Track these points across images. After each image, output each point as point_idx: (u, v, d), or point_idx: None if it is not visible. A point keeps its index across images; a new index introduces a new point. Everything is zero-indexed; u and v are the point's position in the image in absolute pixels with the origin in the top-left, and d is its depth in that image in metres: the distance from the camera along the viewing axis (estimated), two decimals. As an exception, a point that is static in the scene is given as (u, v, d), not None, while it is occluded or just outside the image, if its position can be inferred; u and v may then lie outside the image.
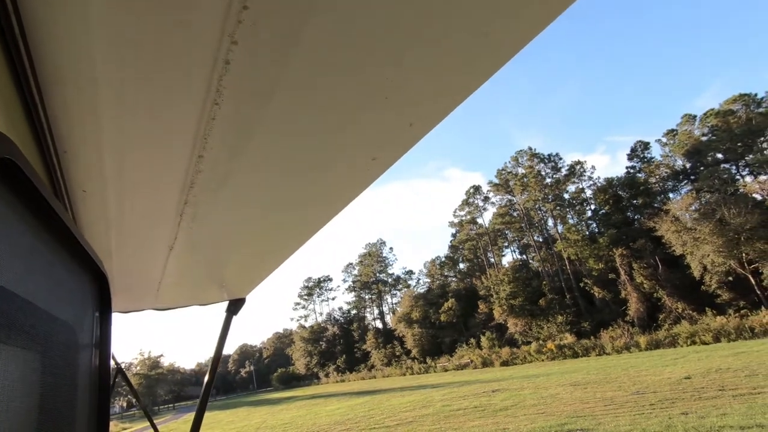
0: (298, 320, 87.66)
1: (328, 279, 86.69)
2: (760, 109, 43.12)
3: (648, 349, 31.51)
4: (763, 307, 31.08)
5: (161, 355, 76.93)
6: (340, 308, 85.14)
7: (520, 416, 12.50)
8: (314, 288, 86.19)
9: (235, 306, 2.44)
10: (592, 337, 37.47)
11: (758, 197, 39.40)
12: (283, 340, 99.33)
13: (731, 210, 35.09)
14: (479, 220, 63.93)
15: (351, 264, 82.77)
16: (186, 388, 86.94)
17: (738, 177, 44.15)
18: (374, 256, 78.47)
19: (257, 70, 0.67)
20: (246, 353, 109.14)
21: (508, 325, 48.14)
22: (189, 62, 0.64)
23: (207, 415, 36.15)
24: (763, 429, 7.60)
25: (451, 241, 69.29)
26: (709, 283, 35.77)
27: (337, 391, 41.54)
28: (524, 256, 61.96)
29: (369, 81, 0.77)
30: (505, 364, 40.00)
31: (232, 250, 1.70)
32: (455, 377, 34.76)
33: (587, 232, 52.21)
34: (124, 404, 71.38)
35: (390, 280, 78.10)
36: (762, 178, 42.43)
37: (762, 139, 42.75)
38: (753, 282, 33.81)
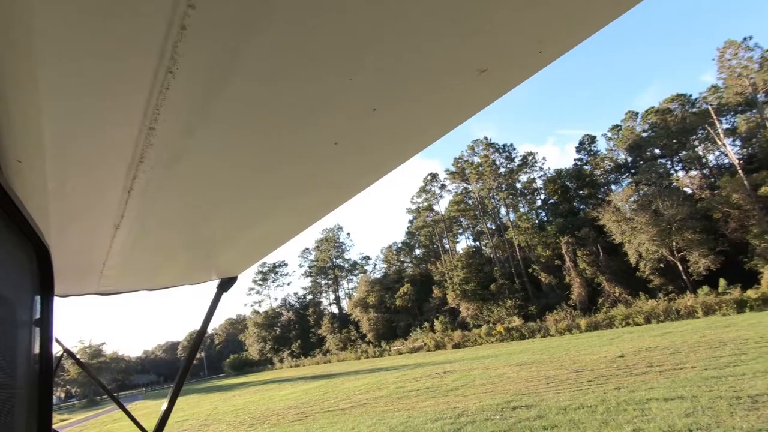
0: (252, 306, 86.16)
1: (284, 264, 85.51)
2: (694, 110, 46.52)
3: (588, 331, 33.75)
4: (688, 292, 34.03)
5: (103, 343, 73.23)
6: (296, 294, 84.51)
7: (470, 395, 13.05)
8: (269, 273, 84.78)
9: (223, 286, 2.37)
10: (538, 320, 39.55)
11: (688, 191, 42.80)
12: (236, 326, 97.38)
13: (665, 202, 37.91)
14: (436, 207, 65.12)
15: (307, 249, 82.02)
16: (131, 377, 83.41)
17: (672, 172, 47.67)
18: (331, 242, 78.14)
19: (217, 39, 0.62)
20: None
21: (461, 309, 49.81)
22: (140, 25, 0.58)
23: (150, 405, 34.83)
24: (683, 400, 8.41)
25: (408, 228, 70.25)
26: (643, 269, 38.63)
27: (292, 376, 41.43)
28: (478, 243, 63.98)
29: (335, 62, 0.73)
30: (456, 346, 41.45)
31: (194, 232, 1.60)
32: (409, 360, 35.64)
33: (537, 221, 54.61)
34: (62, 395, 67.54)
35: (347, 265, 78.22)
36: (692, 173, 46.12)
37: (694, 137, 46.27)
38: (681, 268, 36.86)
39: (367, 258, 77.06)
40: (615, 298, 38.98)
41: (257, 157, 1.05)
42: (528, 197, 57.84)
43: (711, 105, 44.23)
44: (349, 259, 78.78)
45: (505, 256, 54.78)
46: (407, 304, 56.86)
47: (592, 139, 54.51)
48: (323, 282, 79.76)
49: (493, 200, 59.01)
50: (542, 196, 56.90)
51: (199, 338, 2.52)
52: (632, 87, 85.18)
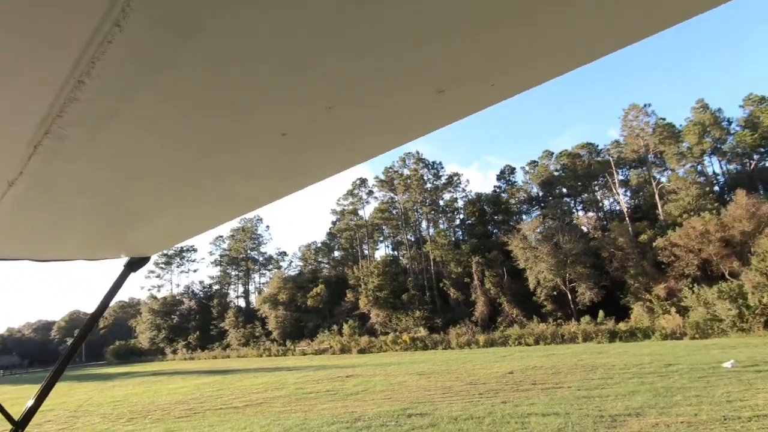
0: (149, 290, 79.34)
1: (192, 249, 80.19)
2: (598, 158, 52.38)
3: (485, 347, 36.07)
4: (573, 319, 37.92)
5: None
6: (201, 282, 79.48)
7: (369, 401, 13.26)
8: (174, 257, 78.89)
9: (132, 266, 2.15)
10: (442, 333, 41.42)
11: (585, 230, 47.89)
12: (128, 310, 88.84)
13: (565, 237, 42.08)
14: (360, 212, 65.61)
15: (221, 237, 77.80)
16: (-12, 357, 72.20)
17: (574, 210, 53.12)
18: (248, 232, 74.96)
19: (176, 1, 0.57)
20: (77, 321, 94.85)
21: (371, 315, 50.51)
22: None
23: (6, 390, 30.37)
24: (558, 416, 9.34)
25: (330, 229, 69.84)
26: (539, 294, 42.33)
27: (184, 369, 38.81)
28: (396, 253, 65.54)
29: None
30: (362, 351, 41.88)
31: (107, 203, 1.45)
32: (313, 361, 35.26)
33: (453, 239, 57.46)
34: None
35: (261, 259, 75.55)
36: (590, 214, 51.74)
37: (595, 182, 52.08)
38: (570, 298, 41.00)
39: (283, 254, 75.18)
40: (512, 319, 42.16)
41: (193, 136, 0.99)
42: (448, 215, 60.72)
43: (612, 157, 50.19)
44: (265, 253, 76.25)
45: (420, 268, 56.72)
46: (319, 305, 56.33)
47: (512, 170, 58.90)
48: (234, 273, 76.11)
49: (416, 213, 60.95)
50: (461, 216, 60.07)
51: (93, 320, 2.29)
52: (554, 128, 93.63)
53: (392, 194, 62.32)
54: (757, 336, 25.71)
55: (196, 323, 68.34)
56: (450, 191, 60.30)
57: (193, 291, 76.50)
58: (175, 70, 0.72)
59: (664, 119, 47.29)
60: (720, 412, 9.22)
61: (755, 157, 45.20)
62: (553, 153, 55.93)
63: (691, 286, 31.99)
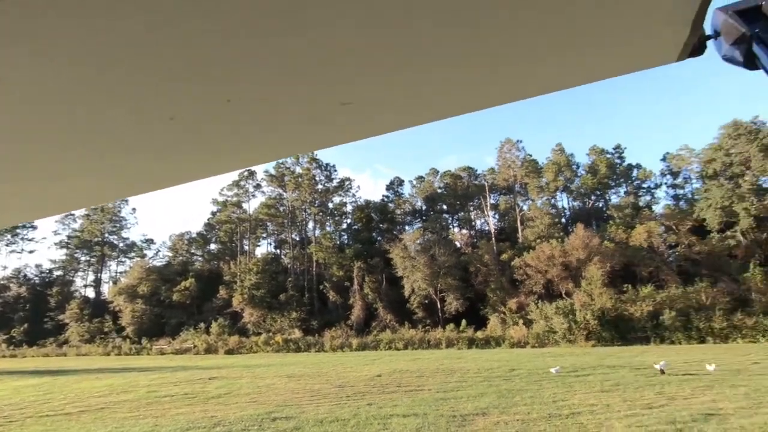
0: (-39, 270, 64.30)
1: (31, 227, 67.31)
2: (476, 182, 57.93)
3: (357, 350, 36.95)
4: (440, 326, 41.00)
5: None
6: (39, 266, 67.08)
7: (232, 404, 12.58)
8: (4, 234, 65.30)
9: None
10: (317, 335, 41.29)
11: (458, 245, 52.35)
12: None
13: (440, 250, 45.45)
14: (245, 206, 62.35)
15: (72, 215, 66.75)
16: None
17: (451, 227, 57.75)
18: (108, 213, 65.66)
19: None
20: None
21: (245, 314, 48.10)
22: None
23: None
24: (417, 417, 9.99)
25: (209, 219, 64.93)
26: (412, 302, 44.92)
27: (4, 368, 32.24)
28: (279, 251, 63.64)
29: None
30: (230, 352, 39.58)
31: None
32: (172, 362, 32.19)
33: (338, 242, 57.97)
34: None
35: (122, 245, 66.85)
36: (464, 231, 56.76)
37: (471, 203, 57.42)
38: (439, 306, 44.32)
39: (150, 241, 67.58)
40: (386, 324, 43.95)
41: (70, 105, 0.89)
42: (336, 218, 61.13)
43: (487, 182, 55.93)
44: (127, 239, 67.65)
45: (302, 269, 55.90)
46: (186, 300, 51.76)
47: (401, 182, 61.84)
48: (84, 258, 65.90)
49: (304, 213, 60.11)
50: (349, 221, 60.94)
51: None
52: (444, 149, 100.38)
53: (281, 191, 60.56)
54: (580, 347, 30.83)
55: (25, 314, 57.36)
56: (340, 195, 60.86)
57: (25, 275, 64.19)
58: (59, 50, 0.67)
59: (530, 156, 54.50)
60: (547, 410, 10.80)
61: (593, 197, 54.53)
62: (438, 171, 60.28)
63: (536, 301, 37.10)
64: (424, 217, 57.75)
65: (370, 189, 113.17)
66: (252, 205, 62.76)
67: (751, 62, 0.72)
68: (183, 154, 1.21)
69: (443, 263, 44.51)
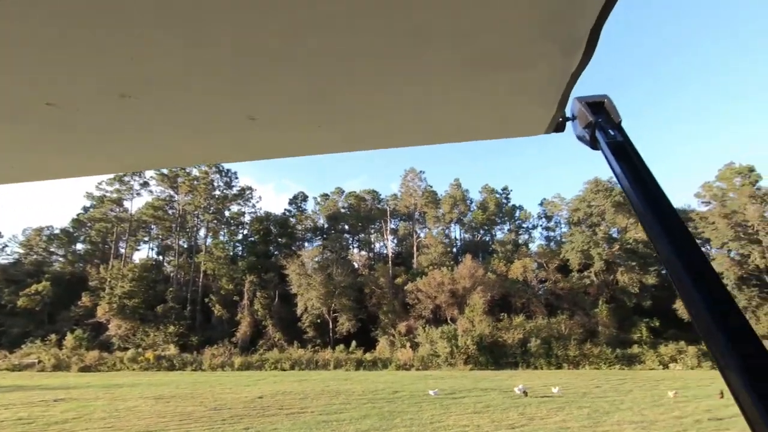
0: None
1: None
2: (379, 206, 59.62)
3: (240, 370, 34.72)
4: (329, 347, 40.52)
5: None
6: None
7: (79, 431, 10.94)
8: None
9: None
10: (195, 352, 37.95)
11: (356, 266, 52.88)
12: None
13: (338, 270, 45.43)
14: (127, 204, 55.86)
15: None
16: None
17: (351, 247, 58.27)
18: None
19: None
20: None
21: (111, 326, 42.39)
22: None
23: None
24: (296, 441, 9.69)
25: (79, 215, 56.73)
26: (304, 321, 43.88)
27: None
28: (161, 258, 57.88)
29: None
30: (86, 369, 34.39)
31: None
32: (6, 380, 26.93)
33: (231, 253, 54.70)
34: None
35: (-46, 235, 54.92)
36: (362, 253, 57.62)
37: (372, 226, 58.75)
38: (331, 326, 43.93)
39: (-5, 234, 56.58)
40: (274, 342, 42.16)
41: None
42: (232, 228, 57.85)
43: (389, 207, 57.91)
44: (-37, 228, 55.82)
45: (186, 279, 51.41)
46: (36, 306, 44.02)
47: (305, 198, 61.01)
48: None
49: (196, 219, 55.81)
50: (245, 232, 58.03)
51: None
52: (352, 170, 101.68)
53: (172, 192, 55.59)
54: (459, 370, 32.83)
55: None
56: (239, 204, 57.88)
57: None
58: None
59: (431, 187, 57.95)
60: (425, 431, 11.25)
61: (481, 231, 59.55)
62: (344, 191, 60.79)
63: (424, 326, 38.85)
64: (324, 235, 57.44)
65: (273, 201, 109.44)
66: (135, 205, 56.53)
67: (594, 144, 0.91)
68: (60, 145, 1.12)
69: (339, 283, 44.50)
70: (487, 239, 59.34)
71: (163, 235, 57.78)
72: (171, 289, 47.58)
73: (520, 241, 55.44)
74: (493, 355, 34.97)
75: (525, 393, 17.98)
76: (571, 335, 36.49)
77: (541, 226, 60.08)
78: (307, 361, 35.90)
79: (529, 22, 0.70)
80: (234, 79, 0.78)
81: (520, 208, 59.98)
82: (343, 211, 59.26)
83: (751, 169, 44.77)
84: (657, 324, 39.15)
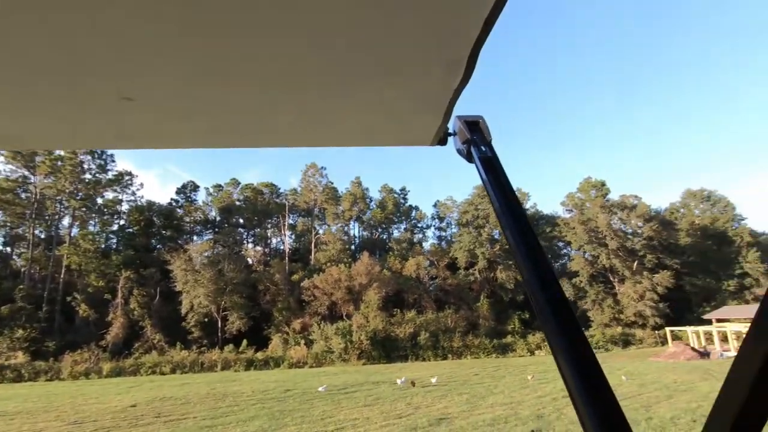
0: None
1: None
2: (277, 200, 57.81)
3: (110, 377, 30.88)
4: (218, 347, 38.14)
5: None
6: None
7: None
8: None
9: None
10: (53, 359, 32.79)
11: (250, 261, 50.60)
12: None
13: (230, 265, 42.99)
14: (-39, 183, 45.87)
15: None
16: None
17: (245, 242, 55.55)
18: None
19: None
20: None
21: (-68, 332, 34.52)
22: None
23: None
24: (175, 450, 8.98)
25: None
26: (189, 320, 40.68)
27: None
28: (9, 249, 48.84)
29: None
30: None
31: None
32: None
33: (103, 246, 48.40)
34: None
35: None
36: (258, 248, 55.36)
37: (269, 221, 56.71)
38: (220, 325, 41.41)
39: None
40: (152, 345, 38.37)
41: None
42: (105, 217, 51.18)
43: (288, 202, 56.49)
44: None
45: (43, 275, 44.13)
46: None
47: (195, 188, 56.48)
48: None
49: (59, 205, 48.19)
50: (122, 222, 51.77)
51: None
52: (250, 160, 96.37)
53: (27, 172, 47.17)
54: (353, 365, 33.40)
55: None
56: (116, 191, 51.39)
57: None
58: None
59: (332, 183, 57.91)
60: (315, 428, 11.27)
61: (379, 229, 61.24)
62: (240, 183, 57.67)
63: (320, 322, 38.72)
64: (217, 229, 53.86)
65: (157, 190, 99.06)
66: (-26, 185, 46.72)
67: (470, 157, 1.06)
68: None
69: (231, 279, 42.15)
70: (385, 237, 61.23)
71: (12, 223, 48.72)
72: (21, 286, 40.43)
73: (414, 240, 58.24)
74: (386, 349, 36.26)
75: (413, 383, 19.03)
76: (456, 328, 39.46)
77: (434, 226, 63.88)
78: (191, 363, 33.36)
79: (418, 39, 0.76)
80: (104, 51, 0.73)
81: (417, 208, 63.04)
82: (238, 203, 56.21)
83: (603, 183, 53.07)
84: (527, 316, 44.28)
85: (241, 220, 56.12)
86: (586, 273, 48.95)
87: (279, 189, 59.17)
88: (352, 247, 57.26)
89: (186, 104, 0.99)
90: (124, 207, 52.03)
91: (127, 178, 51.85)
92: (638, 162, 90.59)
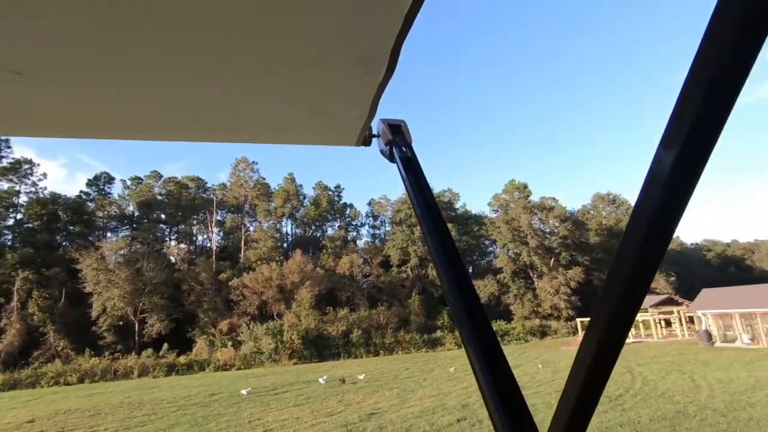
0: None
1: None
2: (204, 194, 54.75)
3: (2, 390, 27.30)
4: (134, 352, 35.34)
5: None
6: None
7: None
8: None
9: None
10: (-75, 374, 28.28)
11: (173, 260, 47.44)
12: None
13: (150, 264, 39.94)
14: None
15: None
16: None
17: (167, 239, 51.92)
18: None
19: None
20: None
21: None
22: None
23: None
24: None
25: None
26: (101, 324, 37.21)
27: None
28: None
29: None
30: None
31: None
32: None
33: (-4, 243, 42.65)
34: None
35: None
36: (182, 246, 52.03)
37: (195, 217, 53.59)
38: (137, 329, 38.36)
39: None
40: (56, 353, 34.56)
41: None
42: (-2, 211, 45.10)
43: (216, 197, 53.72)
44: None
45: None
46: None
47: (110, 180, 51.69)
48: None
49: (-64, 196, 41.63)
50: (19, 216, 45.94)
51: None
52: (175, 152, 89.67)
53: None
54: (283, 365, 32.65)
55: None
56: (11, 180, 45.45)
57: None
58: None
59: (264, 179, 55.98)
60: (242, 431, 10.87)
61: (313, 227, 60.37)
62: (162, 176, 53.74)
63: (249, 323, 37.33)
64: (135, 225, 49.75)
65: (63, 181, 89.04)
66: None
67: (392, 158, 1.12)
68: None
69: (151, 279, 39.18)
70: (318, 235, 60.50)
71: None
72: None
73: (349, 238, 58.18)
74: (318, 348, 35.88)
75: (342, 380, 19.06)
76: (388, 324, 40.09)
77: (368, 224, 64.27)
78: (102, 371, 30.52)
79: (340, 33, 0.74)
80: None
81: (351, 206, 62.99)
82: (160, 198, 52.31)
83: (525, 186, 56.85)
84: (455, 311, 46.12)
85: (163, 216, 52.34)
86: (509, 269, 52.13)
87: (206, 183, 56.07)
88: (285, 244, 55.88)
89: (95, 89, 0.89)
90: (23, 199, 46.21)
91: (26, 167, 46.07)
92: (557, 166, 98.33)
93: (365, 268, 50.83)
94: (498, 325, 43.05)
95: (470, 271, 58.36)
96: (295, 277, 42.10)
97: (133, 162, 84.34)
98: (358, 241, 59.29)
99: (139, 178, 52.56)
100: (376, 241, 60.22)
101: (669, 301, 38.09)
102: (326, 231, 61.04)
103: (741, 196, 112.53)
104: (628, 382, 15.35)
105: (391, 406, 13.25)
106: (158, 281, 39.53)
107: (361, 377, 19.96)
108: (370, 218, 64.16)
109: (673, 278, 55.11)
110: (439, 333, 41.62)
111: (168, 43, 0.73)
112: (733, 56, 0.30)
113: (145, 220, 49.85)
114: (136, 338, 37.98)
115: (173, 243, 52.31)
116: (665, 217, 0.37)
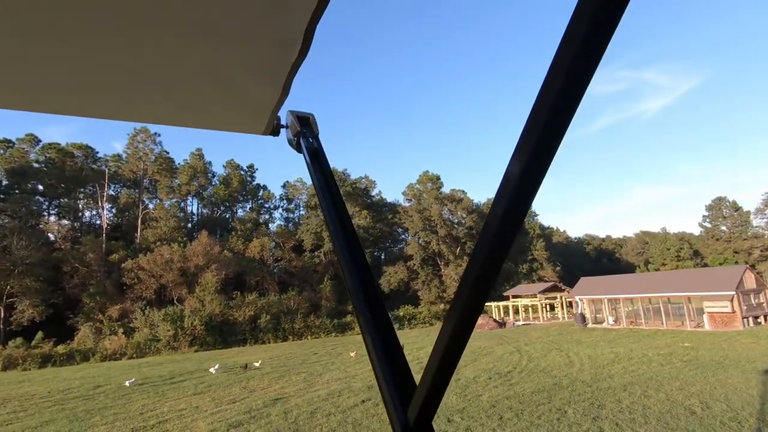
0: None
1: None
2: (94, 165, 48.65)
3: None
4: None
5: None
6: None
7: None
8: None
9: None
10: None
11: (52, 237, 41.74)
12: None
13: (22, 241, 34.70)
14: None
15: None
16: None
17: (45, 214, 45.40)
18: None
19: None
20: None
21: None
22: None
23: None
24: None
25: None
26: (-46, 311, 31.58)
27: None
28: None
29: None
30: None
31: None
32: None
33: None
34: None
35: None
36: (64, 222, 45.92)
37: (82, 190, 47.49)
38: (3, 316, 33.26)
39: None
40: None
41: None
42: None
43: (109, 169, 48.09)
44: None
45: None
46: None
47: (-31, 141, 43.50)
48: None
49: None
50: None
51: None
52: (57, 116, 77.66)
53: None
54: (183, 353, 30.71)
55: None
56: None
57: None
58: None
59: (167, 153, 51.29)
60: (131, 425, 10.08)
61: (222, 207, 57.07)
62: (40, 141, 46.55)
63: (144, 308, 34.35)
64: (2, 196, 42.66)
65: None
66: None
67: (299, 148, 1.16)
68: None
69: (23, 258, 34.09)
70: (228, 216, 57.37)
71: None
72: None
73: (260, 221, 56.04)
74: (223, 334, 34.31)
75: (245, 367, 18.56)
76: (298, 309, 39.61)
77: (282, 207, 62.47)
78: (-46, 365, 26.06)
79: (253, 9, 0.71)
80: None
81: (264, 188, 60.62)
82: (37, 166, 45.33)
83: (438, 177, 59.49)
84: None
85: (41, 187, 45.53)
86: (419, 257, 54.44)
87: (97, 153, 49.77)
88: (189, 225, 52.11)
89: None
90: None
91: None
92: (468, 159, 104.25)
93: (277, 252, 49.51)
94: (406, 310, 44.84)
95: (382, 257, 59.90)
96: (199, 259, 39.58)
97: (1, 122, 71.79)
98: (270, 224, 57.44)
99: (10, 142, 44.96)
100: (290, 224, 58.87)
101: (554, 288, 42.90)
102: (236, 212, 58.14)
103: (619, 197, 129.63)
104: (516, 360, 17.06)
105: (297, 391, 13.22)
106: (32, 261, 34.55)
107: (257, 364, 19.57)
108: (284, 201, 62.46)
109: (558, 268, 61.96)
110: (349, 318, 42.18)
111: (65, 6, 0.66)
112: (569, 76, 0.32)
113: (17, 191, 42.94)
114: (2, 326, 32.96)
115: (53, 218, 45.93)
116: (510, 221, 0.40)
